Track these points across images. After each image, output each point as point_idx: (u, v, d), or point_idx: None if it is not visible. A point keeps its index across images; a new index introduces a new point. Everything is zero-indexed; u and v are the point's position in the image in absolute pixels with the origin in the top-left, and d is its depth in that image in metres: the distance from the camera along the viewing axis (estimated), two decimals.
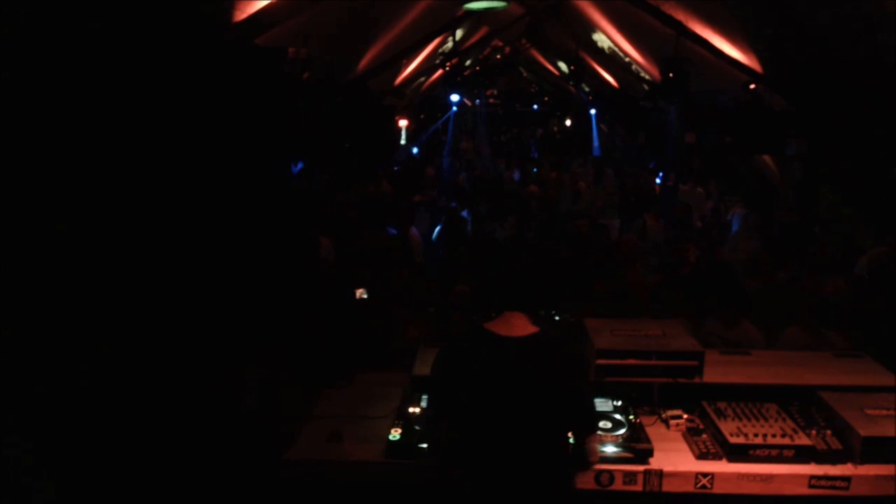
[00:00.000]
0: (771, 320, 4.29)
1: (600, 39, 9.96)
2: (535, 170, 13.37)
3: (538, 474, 2.26)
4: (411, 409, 3.05)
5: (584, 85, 13.78)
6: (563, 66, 14.59)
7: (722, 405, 3.08)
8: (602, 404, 3.03)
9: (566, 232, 7.10)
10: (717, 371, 3.21)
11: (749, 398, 3.13)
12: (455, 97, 12.69)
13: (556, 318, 3.91)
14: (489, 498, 2.27)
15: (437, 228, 7.63)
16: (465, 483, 2.29)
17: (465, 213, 8.25)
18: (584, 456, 2.35)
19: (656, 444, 2.80)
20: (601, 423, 2.89)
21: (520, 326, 2.29)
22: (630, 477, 2.74)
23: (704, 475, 2.72)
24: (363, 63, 7.90)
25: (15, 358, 2.35)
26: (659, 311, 4.47)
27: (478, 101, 19.28)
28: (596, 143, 16.10)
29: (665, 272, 5.65)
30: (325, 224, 6.33)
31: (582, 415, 2.33)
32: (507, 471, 2.25)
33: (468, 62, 14.41)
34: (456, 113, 15.05)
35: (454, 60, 9.98)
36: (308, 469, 2.83)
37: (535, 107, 23.25)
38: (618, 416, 2.97)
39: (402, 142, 13.55)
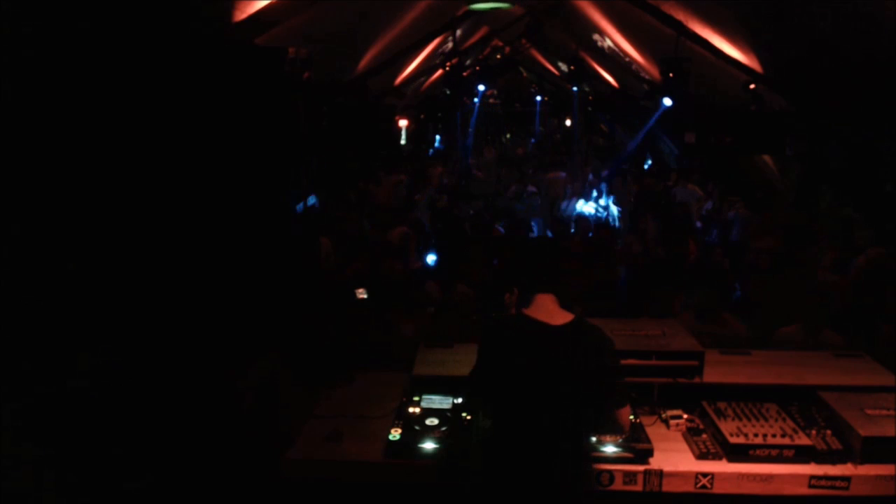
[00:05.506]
0: (772, 319, 4.29)
1: (600, 39, 9.95)
2: (530, 171, 13.30)
3: (569, 461, 2.38)
4: (411, 409, 3.04)
5: (584, 85, 13.74)
6: (562, 65, 14.55)
7: (722, 405, 3.08)
8: None
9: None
10: (717, 371, 3.21)
11: (749, 398, 3.12)
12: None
13: None
14: (519, 487, 2.33)
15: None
16: (465, 483, 2.32)
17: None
18: (617, 425, 2.55)
19: (656, 444, 2.80)
20: None
21: (557, 313, 2.39)
22: (630, 477, 2.73)
23: (704, 475, 2.72)
24: (363, 63, 7.91)
25: (15, 358, 2.36)
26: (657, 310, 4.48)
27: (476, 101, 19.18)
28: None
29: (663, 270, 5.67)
30: (326, 224, 6.33)
31: (614, 388, 2.49)
32: (543, 457, 2.34)
33: (468, 62, 14.37)
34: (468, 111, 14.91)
35: (454, 60, 9.98)
36: (308, 469, 2.83)
37: (538, 107, 23.17)
38: None
39: (403, 142, 13.52)
